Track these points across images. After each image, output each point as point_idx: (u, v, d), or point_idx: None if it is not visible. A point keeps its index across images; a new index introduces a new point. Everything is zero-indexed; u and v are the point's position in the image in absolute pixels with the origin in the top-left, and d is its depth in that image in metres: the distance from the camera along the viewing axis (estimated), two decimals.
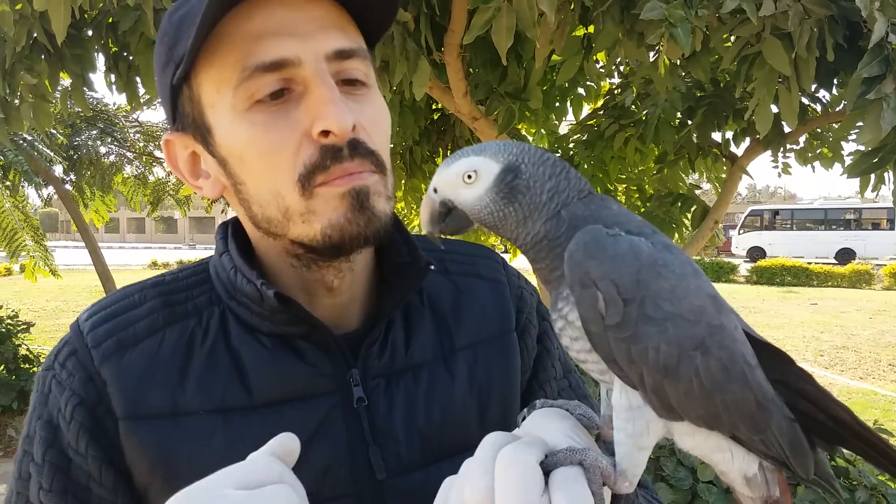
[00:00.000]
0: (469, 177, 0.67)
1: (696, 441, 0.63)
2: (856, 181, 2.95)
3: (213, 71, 0.76)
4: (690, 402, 0.58)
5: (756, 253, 28.26)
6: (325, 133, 0.74)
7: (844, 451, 3.05)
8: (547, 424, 0.64)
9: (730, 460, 0.64)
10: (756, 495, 0.66)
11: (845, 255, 26.43)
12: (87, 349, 0.81)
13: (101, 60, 3.66)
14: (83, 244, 9.56)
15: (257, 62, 0.73)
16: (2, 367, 6.85)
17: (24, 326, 7.41)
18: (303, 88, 0.76)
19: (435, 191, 0.70)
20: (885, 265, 20.31)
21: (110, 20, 3.35)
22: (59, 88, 3.92)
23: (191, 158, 0.86)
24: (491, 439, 0.61)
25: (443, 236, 0.75)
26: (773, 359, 0.63)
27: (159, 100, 0.90)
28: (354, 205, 0.77)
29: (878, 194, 3.33)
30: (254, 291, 0.81)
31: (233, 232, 0.89)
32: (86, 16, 3.27)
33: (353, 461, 0.82)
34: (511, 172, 0.66)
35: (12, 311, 7.73)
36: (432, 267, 0.89)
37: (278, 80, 0.75)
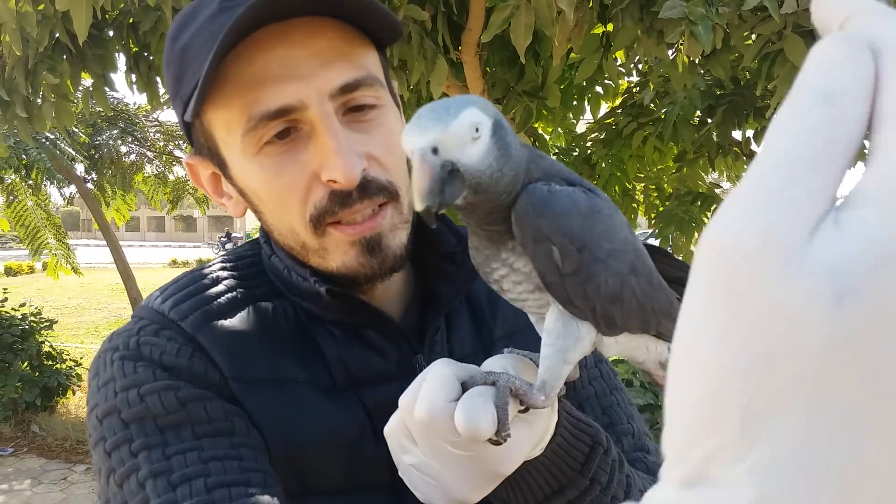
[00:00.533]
0: (476, 130, 0.57)
1: (619, 347, 0.72)
2: None
3: (221, 112, 0.76)
4: (631, 318, 0.66)
5: None
6: (333, 180, 0.75)
7: None
8: (495, 361, 0.72)
9: (646, 352, 0.74)
10: (655, 370, 0.79)
11: None
12: (173, 323, 0.80)
13: (121, 60, 3.71)
14: (104, 243, 9.69)
15: (262, 111, 0.73)
16: (25, 363, 6.95)
17: (48, 324, 7.51)
18: (310, 128, 0.75)
19: (435, 151, 0.56)
20: None
21: (131, 20, 3.39)
22: (81, 88, 3.97)
23: (213, 178, 0.88)
24: (436, 363, 0.69)
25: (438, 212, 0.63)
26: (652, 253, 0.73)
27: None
28: (366, 250, 0.79)
29: None
30: (311, 288, 0.82)
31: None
32: (107, 16, 3.31)
33: None
34: (500, 126, 0.60)
35: (35, 309, 7.85)
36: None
37: (284, 122, 0.74)
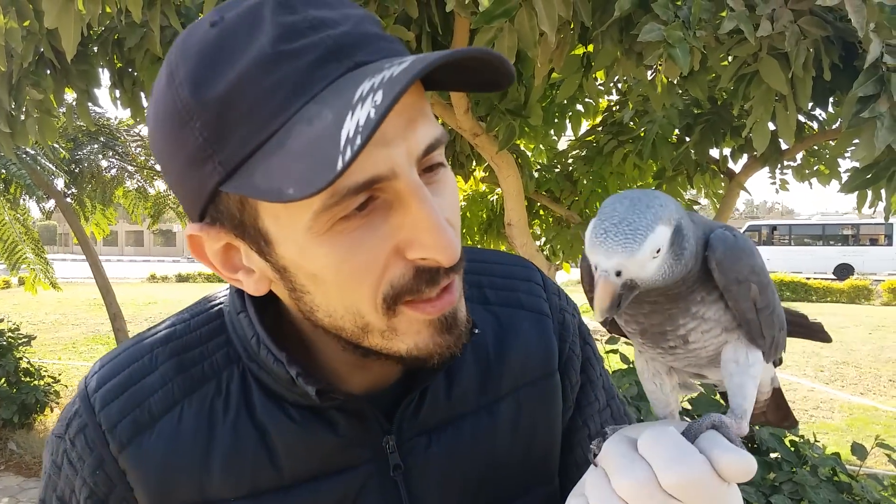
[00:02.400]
0: (658, 251, 0.62)
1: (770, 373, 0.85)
2: (853, 197, 2.99)
3: None
4: (783, 340, 0.76)
5: None
6: (425, 258, 0.64)
7: (846, 466, 3.06)
8: (636, 431, 0.66)
9: (767, 374, 0.86)
10: (766, 390, 0.89)
11: (844, 271, 26.46)
12: (99, 429, 0.73)
13: (105, 76, 3.71)
14: (82, 257, 9.57)
15: (350, 185, 0.59)
16: (3, 380, 6.85)
17: (26, 339, 7.41)
18: (392, 197, 0.62)
19: (618, 274, 0.62)
20: (884, 281, 20.34)
21: (116, 37, 3.39)
22: (64, 104, 3.96)
23: (224, 250, 0.70)
24: (608, 443, 0.65)
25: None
26: None
27: (165, 178, 0.72)
28: (443, 329, 0.69)
29: (875, 210, 3.37)
30: (283, 373, 0.71)
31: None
32: (92, 32, 3.32)
33: None
34: (679, 233, 0.64)
35: (13, 325, 7.73)
36: (476, 331, 0.76)
37: (368, 193, 0.61)
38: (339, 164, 0.51)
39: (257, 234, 0.65)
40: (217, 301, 0.82)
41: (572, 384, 0.91)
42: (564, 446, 0.90)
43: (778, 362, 0.86)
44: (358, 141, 0.51)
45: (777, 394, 0.91)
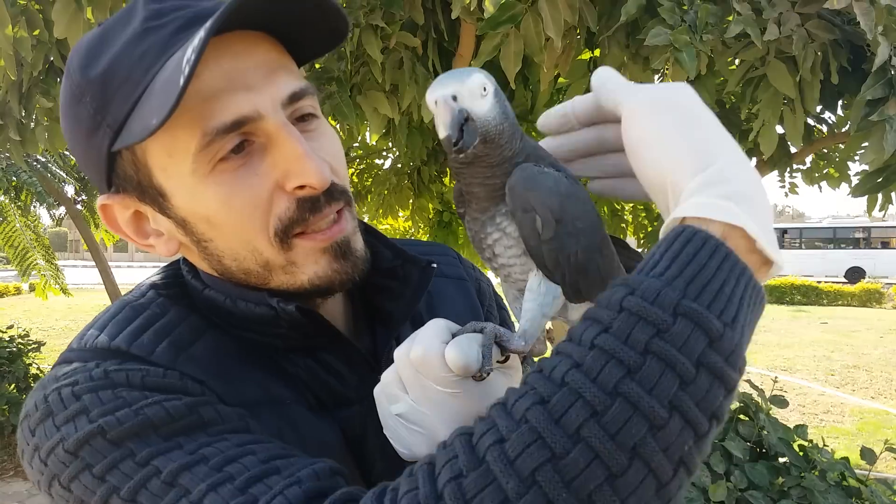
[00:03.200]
0: (484, 89, 0.72)
1: (580, 314, 0.83)
2: (864, 200, 2.97)
3: (163, 135, 0.68)
4: (593, 289, 0.77)
5: None
6: (301, 186, 0.72)
7: (856, 471, 3.03)
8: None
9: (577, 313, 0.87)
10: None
11: (855, 274, 26.27)
12: (140, 358, 0.71)
13: None
14: (92, 263, 9.64)
15: (217, 125, 0.68)
16: (12, 386, 6.88)
17: (35, 346, 7.45)
18: (265, 139, 0.72)
19: (454, 98, 0.71)
20: None
21: None
22: None
23: (134, 218, 0.79)
24: (432, 320, 0.73)
25: (460, 154, 0.73)
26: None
27: (75, 160, 0.81)
28: (338, 255, 0.78)
29: (885, 213, 3.34)
30: (266, 312, 0.77)
31: (191, 271, 0.84)
32: None
33: (391, 468, 0.81)
34: (499, 91, 0.74)
35: (23, 331, 7.78)
36: (434, 265, 0.89)
37: (239, 135, 0.70)
38: (180, 82, 0.61)
39: (154, 192, 0.74)
40: (169, 282, 0.85)
41: None
42: None
43: None
44: (192, 58, 0.61)
45: None
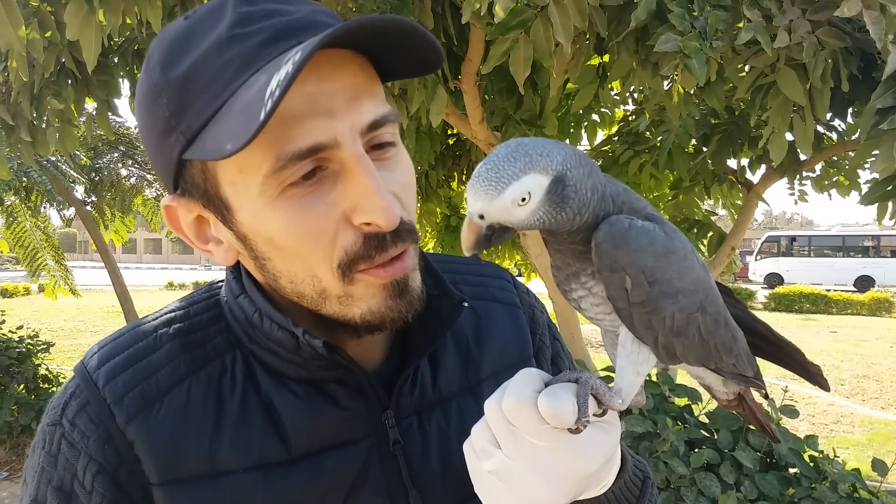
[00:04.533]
0: (523, 199, 0.65)
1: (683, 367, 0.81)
2: (874, 208, 2.95)
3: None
4: (690, 351, 0.72)
5: (774, 280, 27.96)
6: (368, 223, 0.69)
7: (866, 482, 3.01)
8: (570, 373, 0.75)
9: (710, 374, 0.84)
10: (730, 391, 0.89)
11: (864, 283, 26.09)
12: (104, 404, 0.74)
13: (125, 86, 3.76)
14: (101, 264, 9.70)
15: (294, 150, 0.65)
16: (21, 386, 6.91)
17: (45, 346, 7.48)
18: (338, 167, 0.69)
19: (482, 217, 0.67)
20: None
21: (136, 48, 3.44)
22: (84, 113, 4.02)
23: (196, 222, 0.78)
24: (522, 370, 0.71)
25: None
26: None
27: (146, 152, 0.79)
28: (395, 293, 0.75)
29: (895, 222, 3.32)
30: (287, 339, 0.76)
31: (247, 272, 0.82)
32: (112, 43, 3.37)
33: None
34: (559, 183, 0.66)
35: (32, 331, 7.82)
36: (465, 304, 0.84)
37: (313, 161, 0.68)
38: (262, 115, 0.58)
39: (220, 203, 0.72)
40: (212, 292, 0.86)
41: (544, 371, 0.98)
42: None
43: (747, 381, 0.84)
44: (277, 93, 0.58)
45: (745, 403, 0.92)
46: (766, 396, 0.94)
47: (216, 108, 0.66)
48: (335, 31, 0.61)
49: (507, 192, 0.64)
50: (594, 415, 0.67)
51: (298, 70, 0.59)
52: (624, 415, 0.77)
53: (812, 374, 0.86)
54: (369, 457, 0.79)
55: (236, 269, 0.83)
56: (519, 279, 1.07)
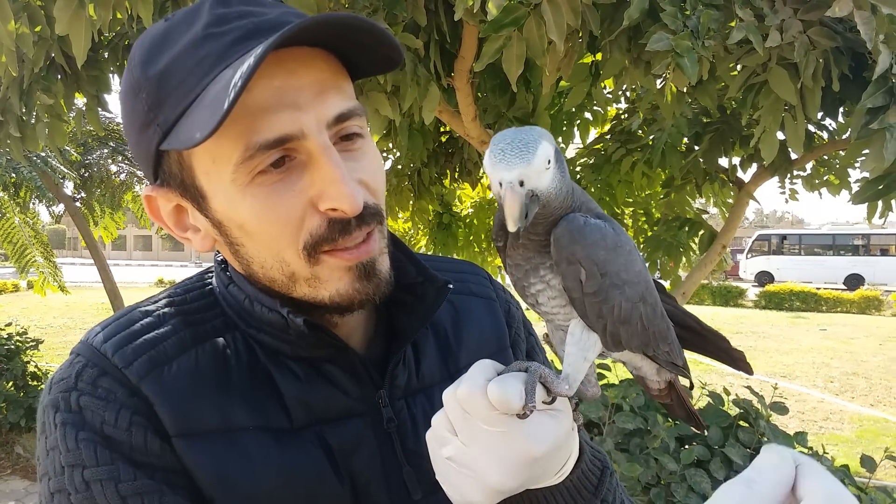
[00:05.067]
0: (549, 161, 0.70)
1: (622, 356, 0.87)
2: (864, 207, 2.97)
3: (209, 142, 0.69)
4: (633, 338, 0.78)
5: (764, 278, 28.12)
6: (334, 209, 0.74)
7: (855, 479, 3.03)
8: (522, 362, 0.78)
9: (642, 363, 0.90)
10: (662, 379, 0.94)
11: (854, 281, 26.28)
12: (117, 369, 0.76)
13: (115, 81, 3.73)
14: (90, 261, 9.63)
15: (261, 141, 0.71)
16: (10, 384, 6.87)
17: (33, 343, 7.44)
18: (306, 157, 0.74)
19: (522, 184, 0.69)
20: (895, 291, 20.19)
21: (126, 42, 3.42)
22: (74, 108, 3.99)
23: (175, 211, 0.83)
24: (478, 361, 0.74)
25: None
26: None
27: (129, 145, 0.85)
28: (362, 275, 0.79)
29: (885, 221, 3.34)
30: (278, 319, 0.80)
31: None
32: (103, 38, 3.34)
33: (389, 482, 0.84)
34: (557, 152, 0.73)
35: (21, 328, 7.78)
36: (451, 286, 0.90)
37: (281, 151, 0.73)
38: (226, 104, 0.63)
39: (195, 191, 0.77)
40: (204, 281, 0.91)
41: None
42: None
43: (674, 369, 0.89)
44: (239, 83, 0.64)
45: (675, 391, 0.97)
46: (691, 386, 1.00)
47: (189, 102, 0.71)
48: (292, 28, 0.66)
49: (539, 153, 0.69)
50: (543, 402, 0.70)
51: (259, 62, 0.64)
52: (578, 405, 0.81)
53: (735, 360, 0.91)
54: (365, 433, 0.84)
55: (224, 262, 0.88)
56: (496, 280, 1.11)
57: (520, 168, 0.68)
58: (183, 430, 0.75)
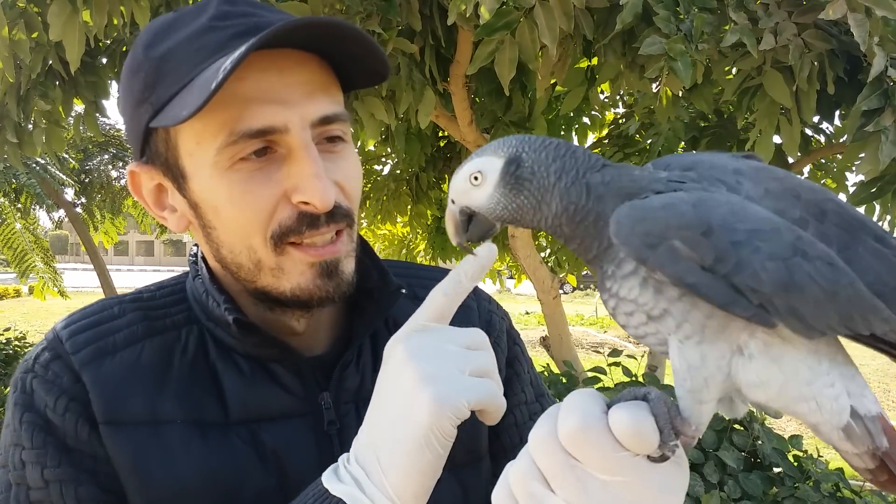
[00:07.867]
0: (475, 178, 0.68)
1: (770, 392, 0.57)
2: (861, 210, 2.97)
3: (197, 124, 0.75)
4: (822, 311, 0.54)
5: None
6: (305, 203, 0.77)
7: (850, 482, 3.02)
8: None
9: (816, 410, 0.58)
10: (860, 449, 0.60)
11: None
12: (68, 354, 0.82)
13: (114, 87, 3.74)
14: (92, 266, 9.64)
15: (246, 129, 0.74)
16: (8, 389, 6.88)
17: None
18: (286, 151, 0.77)
19: (453, 202, 0.70)
20: None
21: (124, 49, 3.43)
22: (73, 114, 4.00)
23: (156, 189, 0.86)
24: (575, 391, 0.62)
25: (472, 245, 0.74)
26: None
27: (126, 131, 0.89)
28: (324, 273, 0.81)
29: (884, 224, 3.34)
30: (222, 316, 0.84)
31: (203, 257, 0.91)
32: (100, 44, 3.35)
33: None
34: (513, 164, 0.66)
35: (20, 333, 7.78)
36: (403, 290, 0.91)
37: (263, 141, 0.76)
38: (213, 86, 0.67)
39: (177, 171, 0.81)
40: (171, 281, 0.95)
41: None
42: (492, 433, 0.97)
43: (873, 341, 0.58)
44: (229, 67, 0.68)
45: (892, 472, 0.61)
46: None
47: (182, 85, 0.75)
48: (286, 24, 0.70)
49: (461, 171, 0.69)
50: (649, 458, 0.55)
51: (249, 50, 0.68)
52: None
53: None
54: (303, 433, 0.85)
55: (195, 257, 0.92)
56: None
57: (452, 185, 0.70)
58: (109, 419, 0.79)
